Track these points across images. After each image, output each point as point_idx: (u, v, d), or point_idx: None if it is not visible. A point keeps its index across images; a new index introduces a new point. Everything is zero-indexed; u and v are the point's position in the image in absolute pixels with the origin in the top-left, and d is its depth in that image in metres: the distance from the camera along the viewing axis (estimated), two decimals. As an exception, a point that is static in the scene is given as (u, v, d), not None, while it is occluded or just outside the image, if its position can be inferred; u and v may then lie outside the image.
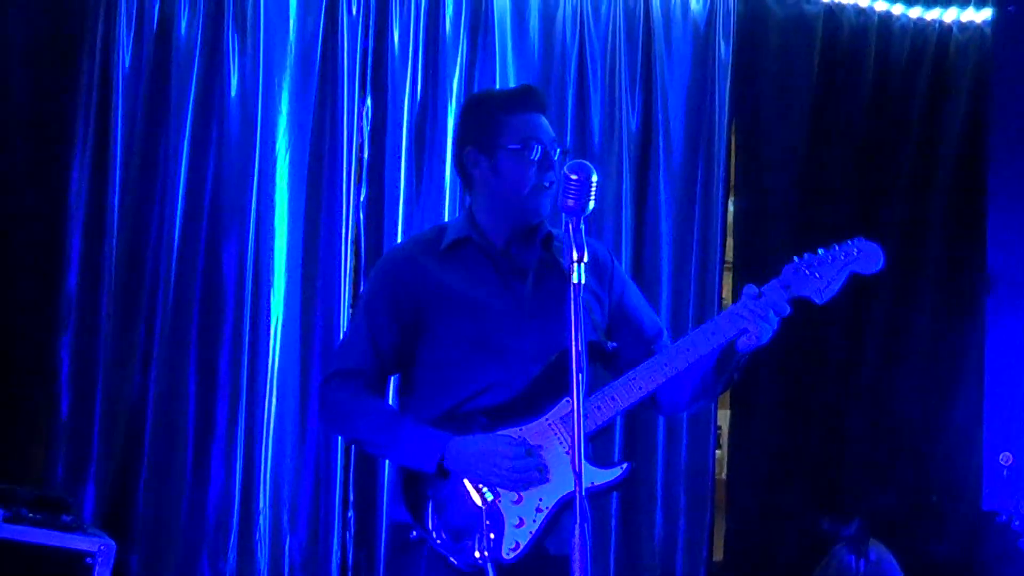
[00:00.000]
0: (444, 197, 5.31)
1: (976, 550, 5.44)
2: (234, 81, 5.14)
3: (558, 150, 3.67)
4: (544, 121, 3.70)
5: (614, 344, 3.75)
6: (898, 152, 5.81)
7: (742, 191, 5.72)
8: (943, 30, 5.93)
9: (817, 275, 3.58)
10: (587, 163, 3.21)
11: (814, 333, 5.27)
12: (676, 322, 5.53)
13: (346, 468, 5.30)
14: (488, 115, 3.70)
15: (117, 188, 5.04)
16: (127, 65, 5.06)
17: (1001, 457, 5.28)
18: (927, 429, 5.73)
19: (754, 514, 5.66)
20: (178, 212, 5.12)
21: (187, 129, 5.10)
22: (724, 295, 5.72)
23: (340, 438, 4.89)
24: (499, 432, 3.57)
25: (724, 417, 5.85)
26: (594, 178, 3.18)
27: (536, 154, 3.64)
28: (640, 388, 3.56)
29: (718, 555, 5.66)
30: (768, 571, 5.57)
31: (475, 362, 3.64)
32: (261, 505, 5.15)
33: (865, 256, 3.60)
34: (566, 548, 3.19)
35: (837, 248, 3.60)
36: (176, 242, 5.11)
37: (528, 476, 3.54)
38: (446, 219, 5.21)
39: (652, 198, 5.57)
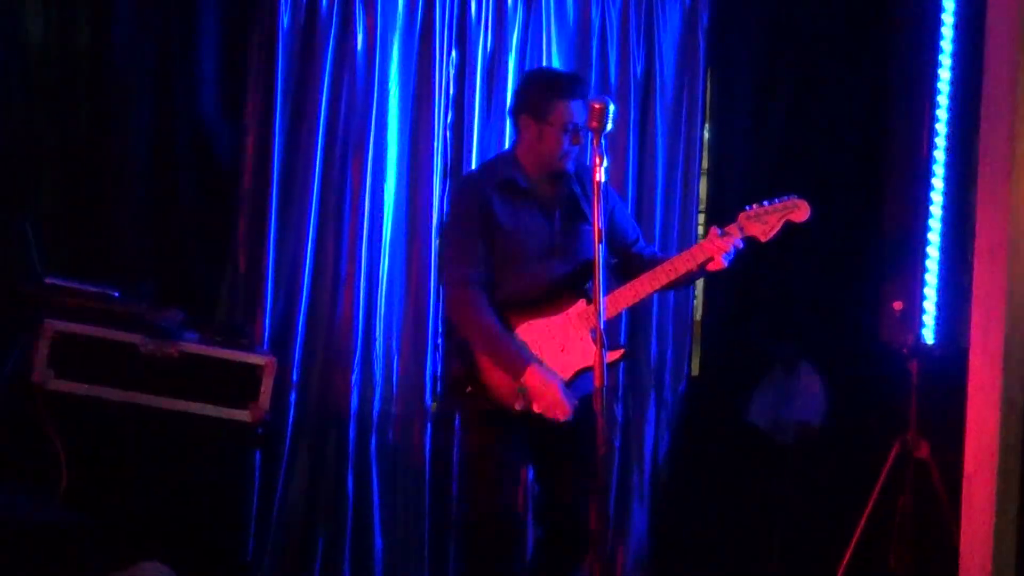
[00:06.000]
0: (506, 121, 5.57)
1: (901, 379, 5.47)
2: (360, 38, 5.65)
3: (584, 129, 4.00)
4: (583, 105, 4.03)
5: (615, 259, 4.35)
6: (819, 76, 6.13)
7: (715, 119, 6.20)
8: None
9: (762, 221, 4.20)
10: (607, 96, 3.93)
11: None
12: (668, 211, 6.02)
13: (435, 310, 5.73)
14: (546, 96, 4.13)
15: (278, 125, 5.59)
16: (286, 27, 5.56)
17: (894, 305, 5.50)
18: (849, 274, 6.00)
19: (721, 343, 6.16)
20: (319, 138, 5.63)
21: (327, 74, 5.63)
22: (700, 195, 6.13)
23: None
24: (531, 322, 4.15)
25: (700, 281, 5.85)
26: (611, 107, 3.72)
27: (571, 132, 4.10)
28: (636, 295, 4.23)
29: (695, 372, 6.20)
30: (731, 383, 6.06)
31: (520, 268, 4.21)
32: (377, 333, 5.73)
33: (798, 210, 4.22)
34: (587, 388, 4.03)
35: (777, 201, 4.21)
36: (320, 161, 5.65)
37: (570, 400, 4.10)
38: (507, 134, 5.61)
39: (651, 124, 6.00)
